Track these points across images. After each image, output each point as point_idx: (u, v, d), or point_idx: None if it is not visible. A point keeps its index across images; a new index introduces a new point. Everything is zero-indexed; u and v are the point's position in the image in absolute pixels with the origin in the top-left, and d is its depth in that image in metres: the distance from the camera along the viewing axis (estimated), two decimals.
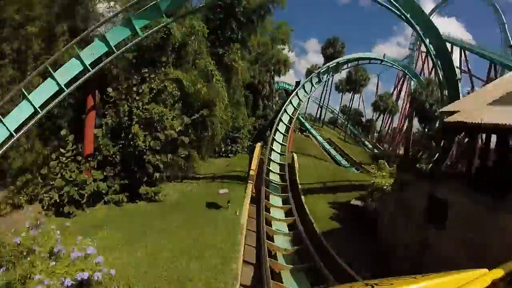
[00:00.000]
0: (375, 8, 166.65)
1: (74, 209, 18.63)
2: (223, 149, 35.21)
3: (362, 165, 44.82)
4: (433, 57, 26.17)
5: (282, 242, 17.00)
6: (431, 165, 16.39)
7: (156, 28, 18.88)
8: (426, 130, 40.18)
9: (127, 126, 21.25)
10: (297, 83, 41.85)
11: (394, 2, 24.06)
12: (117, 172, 21.10)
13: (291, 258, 15.55)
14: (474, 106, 14.07)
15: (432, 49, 26.37)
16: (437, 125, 38.77)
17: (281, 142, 33.32)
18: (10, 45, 17.57)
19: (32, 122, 15.09)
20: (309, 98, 45.53)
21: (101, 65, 17.30)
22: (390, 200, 17.58)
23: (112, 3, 21.62)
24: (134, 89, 21.55)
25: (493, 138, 14.32)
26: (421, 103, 38.46)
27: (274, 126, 34.13)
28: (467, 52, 61.52)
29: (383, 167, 22.26)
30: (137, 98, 21.40)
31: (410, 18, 24.79)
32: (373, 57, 46.31)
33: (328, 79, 51.94)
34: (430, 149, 20.38)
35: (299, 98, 39.65)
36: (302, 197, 23.77)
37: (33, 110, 15.21)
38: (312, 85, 41.78)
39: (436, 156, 17.11)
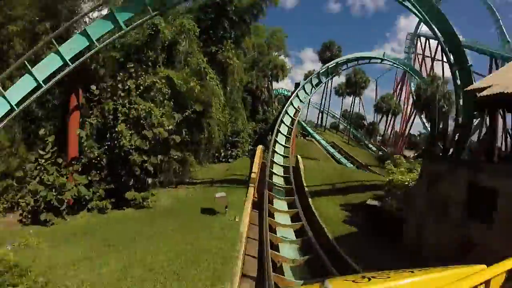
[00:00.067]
0: (368, 15, 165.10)
1: (52, 216, 16.25)
2: (222, 154, 32.42)
3: (369, 167, 41.84)
4: (442, 43, 23.36)
5: (288, 251, 13.98)
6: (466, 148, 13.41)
7: (140, 21, 17.05)
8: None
9: (112, 125, 18.97)
10: (297, 84, 39.03)
11: None
12: (103, 176, 18.66)
13: (300, 270, 12.48)
14: (508, 79, 11.67)
15: (440, 35, 23.56)
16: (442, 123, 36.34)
17: (283, 144, 30.54)
18: None
19: (6, 120, 14.07)
20: (309, 101, 43.37)
21: (82, 60, 16.00)
22: (417, 196, 14.53)
23: (95, 1, 19.79)
24: (120, 86, 19.20)
25: None
26: (427, 99, 35.50)
27: (276, 128, 31.37)
28: (467, 51, 58.90)
29: (400, 162, 19.19)
30: (123, 95, 18.78)
31: (414, 2, 22.19)
32: (373, 56, 43.73)
33: (328, 80, 49.37)
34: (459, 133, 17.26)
35: (299, 100, 36.84)
36: (310, 199, 20.83)
37: (9, 108, 14.14)
38: (312, 86, 39.04)
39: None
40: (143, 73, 20.04)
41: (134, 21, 16.99)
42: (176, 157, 20.10)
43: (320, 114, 77.85)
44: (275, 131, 31.02)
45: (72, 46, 15.60)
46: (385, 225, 16.21)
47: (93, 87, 19.01)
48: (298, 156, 30.13)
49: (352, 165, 44.92)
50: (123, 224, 15.47)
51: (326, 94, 74.36)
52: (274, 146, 28.88)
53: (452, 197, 12.01)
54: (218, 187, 21.39)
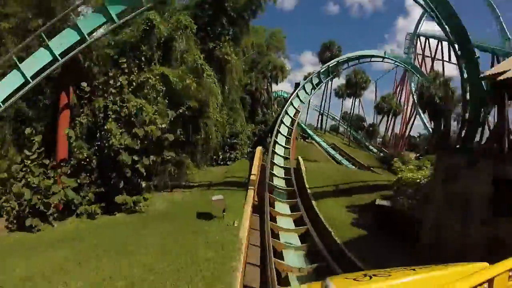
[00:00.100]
0: (366, 16, 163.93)
1: (38, 222, 15.05)
2: (220, 157, 30.97)
3: (371, 168, 40.50)
4: (448, 34, 22.16)
5: (293, 259, 12.59)
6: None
7: (134, 13, 16.39)
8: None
9: (103, 124, 17.60)
10: (297, 84, 37.74)
11: None
12: (93, 179, 17.29)
13: (308, 281, 11.02)
14: None
15: (447, 27, 22.36)
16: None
17: (283, 145, 29.23)
18: None
19: None
20: (309, 103, 42.27)
21: (72, 54, 15.43)
22: (433, 193, 13.17)
23: None
24: (111, 82, 17.94)
25: None
26: (430, 96, 34.27)
27: (276, 128, 30.13)
28: None
29: (408, 159, 17.84)
30: (114, 91, 17.52)
31: None
32: (374, 55, 42.53)
33: (328, 81, 48.24)
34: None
35: (300, 100, 35.53)
36: (313, 202, 19.42)
37: None
38: (313, 85, 37.74)
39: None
40: (136, 69, 18.83)
41: (128, 14, 16.31)
42: (170, 157, 18.70)
43: (320, 116, 76.76)
44: (274, 131, 29.75)
45: (62, 41, 15.11)
46: (397, 226, 14.83)
47: (84, 84, 17.81)
48: (299, 158, 28.76)
49: (353, 167, 43.53)
50: (111, 230, 14.09)
51: (326, 96, 73.34)
52: (274, 147, 27.58)
53: (475, 192, 10.70)
54: (216, 190, 19.96)
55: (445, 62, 55.05)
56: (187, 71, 21.92)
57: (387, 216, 15.77)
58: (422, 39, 63.58)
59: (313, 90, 38.21)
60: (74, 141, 17.21)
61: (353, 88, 60.43)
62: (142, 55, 20.49)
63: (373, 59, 42.96)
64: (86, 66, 19.90)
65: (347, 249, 12.66)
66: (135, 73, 18.57)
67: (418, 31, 63.34)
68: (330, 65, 39.74)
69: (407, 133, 71.61)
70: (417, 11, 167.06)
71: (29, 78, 14.43)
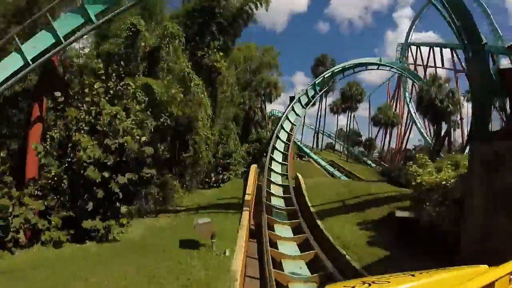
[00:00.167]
0: (356, 33, 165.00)
1: None
2: (213, 179, 28.10)
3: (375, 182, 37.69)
4: (453, 19, 20.10)
5: None
6: None
7: (114, 13, 15.15)
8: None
9: (77, 140, 14.74)
10: (292, 98, 35.36)
11: None
12: (63, 201, 14.44)
13: None
14: None
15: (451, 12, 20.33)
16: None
17: (280, 161, 26.51)
18: None
19: None
20: (304, 122, 40.29)
21: (45, 58, 13.93)
22: (470, 193, 10.49)
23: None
24: (86, 90, 15.54)
25: None
26: (430, 100, 32.11)
27: (271, 144, 27.39)
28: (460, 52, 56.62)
29: (424, 161, 15.13)
30: (88, 99, 15.02)
31: None
32: (370, 62, 40.60)
33: (323, 94, 46.20)
34: None
35: (295, 113, 33.00)
36: (318, 221, 16.69)
37: None
38: (308, 98, 35.31)
39: None
40: (114, 75, 16.55)
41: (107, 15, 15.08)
42: (152, 176, 15.85)
43: (316, 134, 74.52)
44: (270, 147, 27.07)
45: (35, 44, 13.82)
46: (425, 240, 12.03)
47: (58, 93, 15.45)
48: (298, 174, 26.01)
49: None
50: (68, 263, 11.19)
51: (321, 114, 71.46)
52: (270, 164, 24.88)
53: None
54: (206, 213, 17.01)
55: (438, 69, 53.44)
56: (174, 81, 19.88)
57: (411, 230, 12.95)
58: (413, 48, 62.42)
59: (308, 103, 35.86)
60: (42, 158, 14.68)
61: (349, 102, 58.42)
62: (127, 66, 18.63)
63: (369, 66, 40.98)
64: (66, 78, 18.62)
65: (367, 274, 9.76)
66: (112, 80, 16.17)
67: (408, 40, 62.28)
68: (325, 76, 37.62)
69: (403, 147, 69.35)
70: (405, 23, 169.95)
71: None
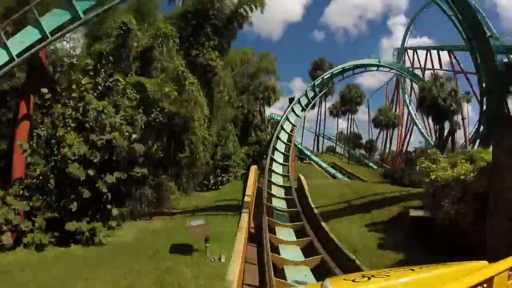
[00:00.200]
0: (351, 41, 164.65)
1: None
2: (212, 181, 26.87)
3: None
4: (458, 15, 19.24)
5: None
6: None
7: (102, 8, 14.51)
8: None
9: (61, 135, 13.59)
10: (291, 99, 34.18)
11: None
12: (50, 201, 13.29)
13: None
14: None
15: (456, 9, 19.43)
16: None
17: (281, 162, 25.27)
18: None
19: None
20: (304, 123, 39.21)
21: (30, 54, 13.41)
22: (495, 187, 9.23)
23: None
24: (74, 86, 14.46)
25: None
26: (433, 99, 30.97)
27: (272, 145, 26.23)
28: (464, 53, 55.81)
29: (436, 157, 13.81)
30: (74, 95, 14.02)
31: None
32: (369, 63, 39.53)
33: (322, 96, 45.19)
34: None
35: (295, 114, 31.83)
36: (323, 223, 15.38)
37: None
38: (308, 99, 34.18)
39: None
40: (103, 71, 15.55)
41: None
42: (143, 176, 14.59)
43: (316, 137, 73.37)
44: (271, 148, 25.91)
45: (22, 39, 13.39)
46: (443, 240, 10.73)
47: (45, 90, 14.71)
48: (300, 175, 24.74)
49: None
50: (49, 267, 9.91)
51: (320, 117, 70.42)
52: (271, 165, 23.68)
53: None
54: (202, 215, 15.67)
55: (436, 71, 52.46)
56: (167, 80, 18.87)
57: (425, 230, 11.65)
58: (410, 52, 61.66)
59: (308, 104, 34.69)
60: (29, 156, 13.85)
61: (348, 104, 57.36)
62: (118, 65, 17.76)
63: (367, 68, 39.90)
64: (56, 77, 18.01)
65: None
66: (101, 76, 15.10)
67: (405, 45, 61.58)
68: (324, 77, 36.57)
69: (404, 149, 68.14)
70: (400, 30, 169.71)
71: None
